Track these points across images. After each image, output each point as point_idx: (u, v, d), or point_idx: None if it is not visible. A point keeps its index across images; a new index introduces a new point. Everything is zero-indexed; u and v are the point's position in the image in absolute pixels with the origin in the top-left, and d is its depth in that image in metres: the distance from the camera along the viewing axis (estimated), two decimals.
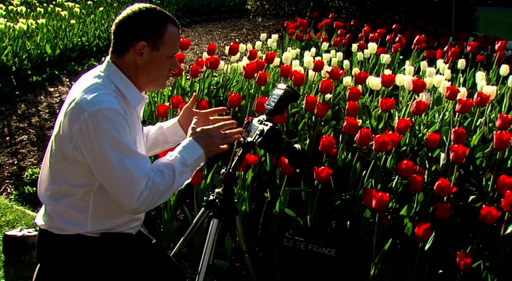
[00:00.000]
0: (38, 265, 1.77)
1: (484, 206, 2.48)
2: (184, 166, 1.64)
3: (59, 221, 1.67)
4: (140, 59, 1.66)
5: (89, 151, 1.55)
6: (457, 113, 3.55)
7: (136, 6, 1.67)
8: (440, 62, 4.71)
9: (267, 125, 1.79)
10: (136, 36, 1.64)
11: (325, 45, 5.67)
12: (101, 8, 8.35)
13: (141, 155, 1.60)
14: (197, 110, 2.01)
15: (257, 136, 1.78)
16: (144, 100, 1.76)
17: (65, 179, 1.64)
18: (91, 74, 1.69)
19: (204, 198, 1.99)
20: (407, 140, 3.51)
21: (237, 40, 7.53)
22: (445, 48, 5.54)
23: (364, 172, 3.09)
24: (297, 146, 1.85)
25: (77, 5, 8.40)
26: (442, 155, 3.35)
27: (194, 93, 1.96)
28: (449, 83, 3.98)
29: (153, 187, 1.56)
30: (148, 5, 1.67)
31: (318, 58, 4.60)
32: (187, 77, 4.66)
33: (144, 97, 1.76)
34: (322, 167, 2.69)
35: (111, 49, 1.70)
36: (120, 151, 1.53)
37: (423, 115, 3.82)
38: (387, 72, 4.40)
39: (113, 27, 1.68)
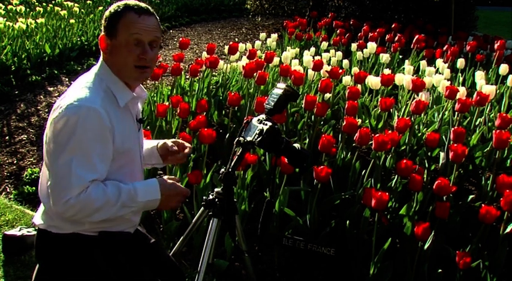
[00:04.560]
0: (37, 265, 1.78)
1: (483, 205, 2.48)
2: (132, 201, 1.62)
3: (57, 220, 1.67)
4: (105, 51, 1.68)
5: (51, 141, 1.56)
6: (456, 113, 3.55)
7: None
8: (439, 62, 4.70)
9: (266, 124, 1.79)
10: (100, 31, 1.69)
11: (324, 44, 5.66)
12: (100, 8, 8.34)
13: (95, 166, 1.56)
14: (175, 148, 1.96)
15: (256, 135, 1.78)
16: (136, 98, 1.76)
17: None
18: (85, 75, 1.72)
19: (204, 197, 1.99)
20: (406, 140, 3.51)
21: (236, 39, 7.53)
22: (444, 48, 5.53)
23: (364, 171, 3.09)
24: (297, 145, 1.85)
25: (76, 5, 8.39)
26: (442, 154, 3.35)
27: (188, 148, 1.95)
28: (449, 82, 3.98)
29: (84, 200, 1.53)
30: (122, 3, 1.68)
31: (317, 57, 4.60)
32: (187, 77, 4.65)
33: (136, 95, 1.75)
34: (322, 167, 2.69)
35: None
36: (74, 153, 1.53)
37: (422, 114, 3.82)
38: (386, 71, 4.40)
39: None
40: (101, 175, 1.60)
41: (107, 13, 1.68)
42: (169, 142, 1.98)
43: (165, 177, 1.74)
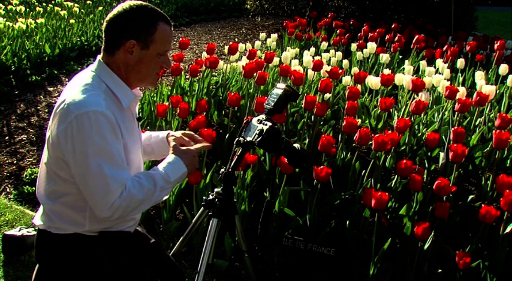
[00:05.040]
0: (37, 265, 1.78)
1: (483, 205, 2.48)
2: (166, 183, 1.66)
3: (57, 221, 1.67)
4: (130, 57, 1.65)
5: (70, 153, 1.55)
6: (456, 113, 3.55)
7: (127, 4, 1.66)
8: (439, 62, 4.70)
9: (266, 124, 1.79)
10: (126, 35, 1.63)
11: (324, 44, 5.66)
12: (100, 8, 8.34)
13: (121, 163, 1.58)
14: (187, 138, 1.93)
15: (256, 136, 1.78)
16: (137, 97, 1.77)
17: (61, 179, 1.64)
18: (82, 74, 1.70)
19: (204, 197, 1.99)
20: (406, 140, 3.51)
21: (236, 40, 7.53)
22: (444, 48, 5.53)
23: (364, 171, 3.09)
24: (296, 145, 1.85)
25: (76, 5, 8.40)
26: (442, 154, 3.35)
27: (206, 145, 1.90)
28: (449, 82, 3.98)
29: (128, 197, 1.56)
30: (139, 3, 1.66)
31: (317, 58, 4.60)
32: (187, 77, 4.65)
33: (136, 94, 1.76)
34: (322, 167, 2.69)
35: (102, 47, 1.70)
36: (100, 157, 1.53)
37: (422, 115, 3.82)
38: (386, 71, 4.40)
39: (104, 24, 1.67)
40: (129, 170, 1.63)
41: (132, 16, 1.63)
42: (178, 134, 1.94)
43: (172, 139, 1.80)
